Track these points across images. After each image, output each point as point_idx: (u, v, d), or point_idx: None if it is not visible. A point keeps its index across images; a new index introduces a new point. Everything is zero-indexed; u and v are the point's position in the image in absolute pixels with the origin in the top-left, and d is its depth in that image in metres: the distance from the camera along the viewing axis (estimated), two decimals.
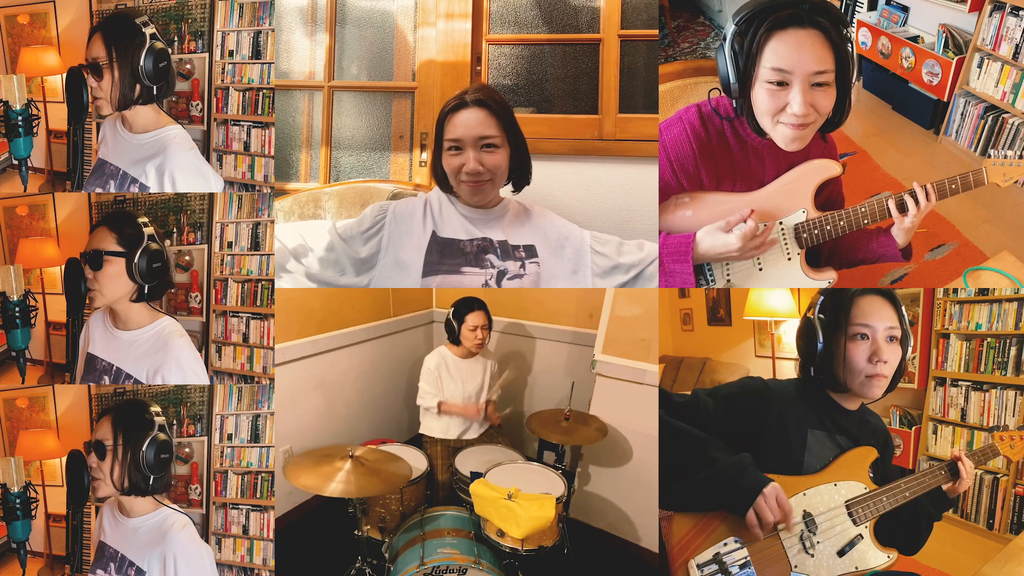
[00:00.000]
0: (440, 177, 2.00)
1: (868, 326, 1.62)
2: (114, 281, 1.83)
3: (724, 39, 1.67)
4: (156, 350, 1.92)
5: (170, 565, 1.68)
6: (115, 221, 1.86)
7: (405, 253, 1.97)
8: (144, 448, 1.72)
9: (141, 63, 1.95)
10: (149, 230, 1.85)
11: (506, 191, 2.08)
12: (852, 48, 1.65)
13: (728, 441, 1.63)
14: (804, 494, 1.60)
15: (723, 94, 1.73)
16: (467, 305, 2.80)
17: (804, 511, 1.58)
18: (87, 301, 1.88)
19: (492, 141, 1.89)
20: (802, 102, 1.61)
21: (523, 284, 1.95)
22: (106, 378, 1.93)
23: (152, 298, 1.92)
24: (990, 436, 1.83)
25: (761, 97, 1.65)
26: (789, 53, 1.60)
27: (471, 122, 1.88)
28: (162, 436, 1.77)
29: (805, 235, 1.84)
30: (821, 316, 1.65)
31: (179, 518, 1.79)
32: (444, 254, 1.95)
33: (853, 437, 1.68)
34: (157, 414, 1.78)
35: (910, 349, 1.67)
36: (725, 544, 1.54)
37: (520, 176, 2.01)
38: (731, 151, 1.81)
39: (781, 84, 1.62)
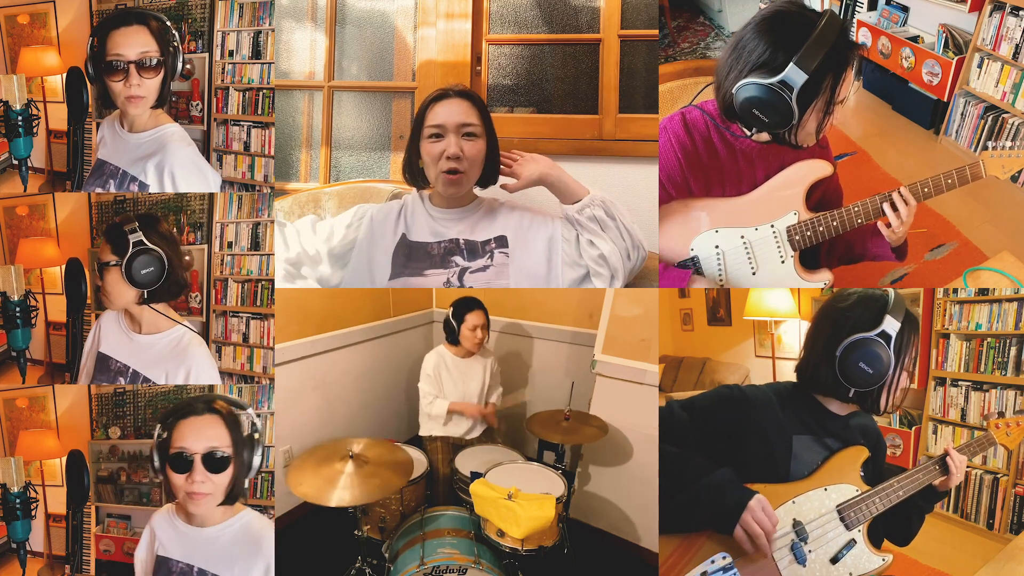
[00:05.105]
0: (414, 171, 2.03)
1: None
2: (116, 287, 1.90)
3: (785, 86, 1.59)
4: (176, 355, 1.96)
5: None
6: (109, 231, 1.93)
7: (376, 255, 2.02)
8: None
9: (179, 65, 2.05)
10: (136, 236, 1.86)
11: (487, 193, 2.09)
12: None
13: (709, 453, 1.56)
14: (793, 502, 1.54)
15: (712, 104, 1.75)
16: (466, 305, 2.79)
17: (794, 520, 1.53)
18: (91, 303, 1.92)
19: (473, 130, 1.94)
20: None
21: (487, 277, 1.97)
22: (121, 379, 1.97)
23: (159, 300, 1.94)
24: (985, 422, 1.78)
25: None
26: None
27: (454, 109, 1.94)
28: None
29: (797, 237, 1.83)
30: (896, 342, 1.53)
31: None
32: (411, 257, 2.00)
33: (842, 439, 1.62)
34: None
35: None
36: (712, 561, 1.48)
37: (489, 173, 2.03)
38: (718, 156, 1.81)
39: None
